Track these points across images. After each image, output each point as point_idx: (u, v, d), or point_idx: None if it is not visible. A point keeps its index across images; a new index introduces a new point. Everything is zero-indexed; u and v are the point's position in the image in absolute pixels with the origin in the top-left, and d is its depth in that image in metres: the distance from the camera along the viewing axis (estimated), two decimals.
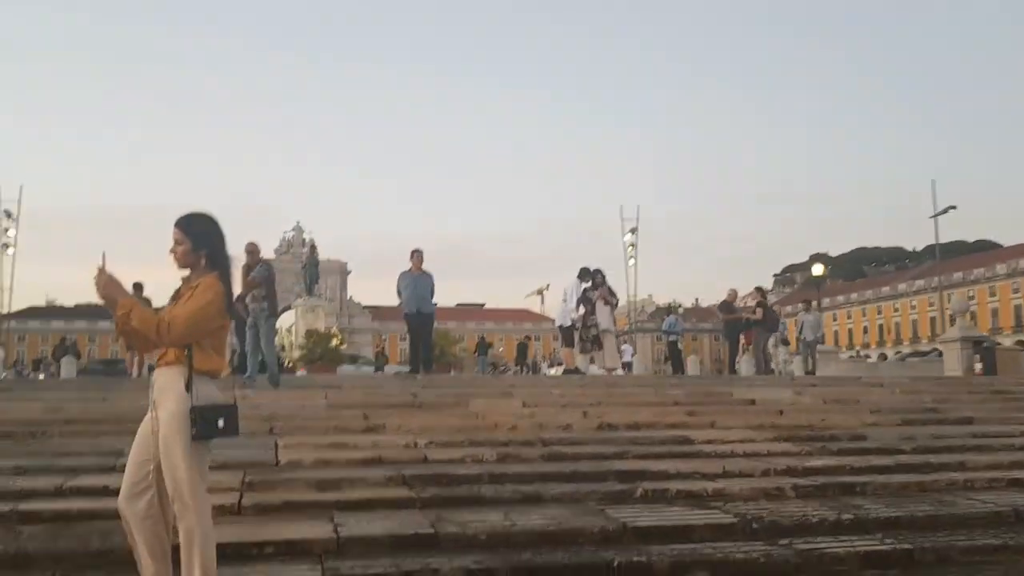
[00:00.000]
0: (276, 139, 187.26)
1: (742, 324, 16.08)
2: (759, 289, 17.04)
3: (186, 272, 3.69)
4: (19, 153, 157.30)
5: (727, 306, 16.22)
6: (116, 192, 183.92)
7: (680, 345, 19.93)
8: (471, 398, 9.67)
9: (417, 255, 12.67)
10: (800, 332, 17.27)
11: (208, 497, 3.50)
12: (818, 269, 36.31)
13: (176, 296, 3.66)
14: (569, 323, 13.55)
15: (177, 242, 3.64)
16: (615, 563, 4.40)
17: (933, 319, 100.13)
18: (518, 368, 39.00)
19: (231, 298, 3.67)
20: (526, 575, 4.26)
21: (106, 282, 3.46)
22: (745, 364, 27.33)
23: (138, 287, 15.56)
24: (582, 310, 13.54)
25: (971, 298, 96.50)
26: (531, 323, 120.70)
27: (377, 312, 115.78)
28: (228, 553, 4.41)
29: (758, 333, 15.50)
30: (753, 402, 9.93)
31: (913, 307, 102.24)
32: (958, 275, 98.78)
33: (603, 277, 13.83)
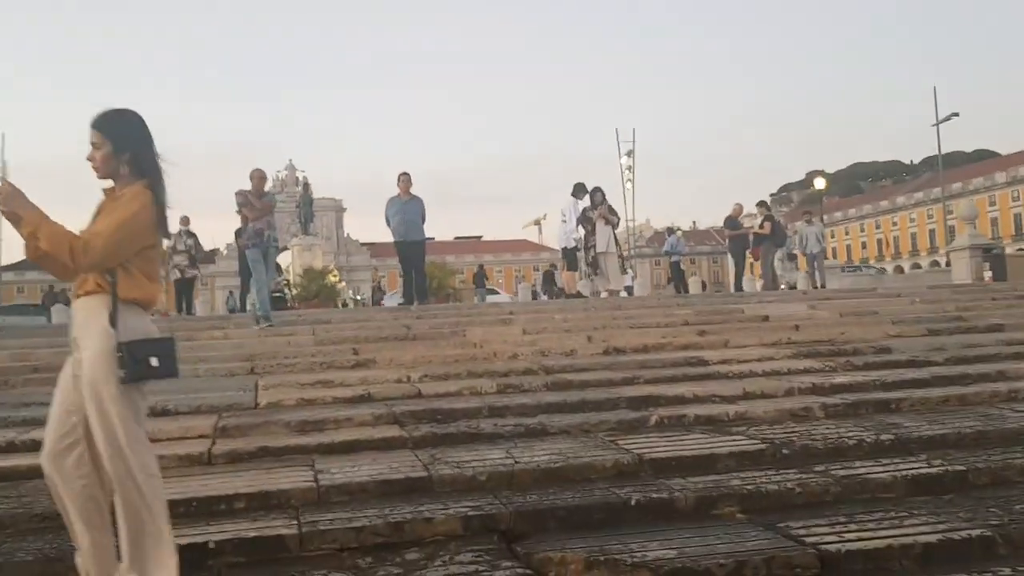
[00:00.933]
0: (268, 76, 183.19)
1: (748, 240, 15.44)
2: (764, 204, 16.30)
3: (109, 184, 3.04)
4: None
5: (732, 222, 15.54)
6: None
7: (683, 266, 19.33)
8: (468, 327, 9.11)
9: (404, 178, 11.94)
10: (804, 246, 16.60)
11: (148, 449, 2.90)
12: (820, 183, 35.47)
13: (97, 212, 3.02)
14: (572, 244, 12.90)
15: (95, 146, 2.97)
16: (633, 501, 3.86)
17: (932, 231, 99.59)
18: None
19: (164, 212, 3.02)
20: (533, 520, 3.72)
21: (7, 195, 2.81)
22: (747, 282, 26.90)
23: (184, 221, 15.29)
24: (582, 231, 12.88)
25: (950, 213, 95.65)
26: (530, 253, 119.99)
27: (375, 249, 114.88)
28: (193, 510, 3.88)
29: (766, 248, 14.87)
30: (766, 318, 9.37)
31: (912, 220, 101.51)
32: (957, 185, 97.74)
33: (603, 195, 13.10)
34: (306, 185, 70.35)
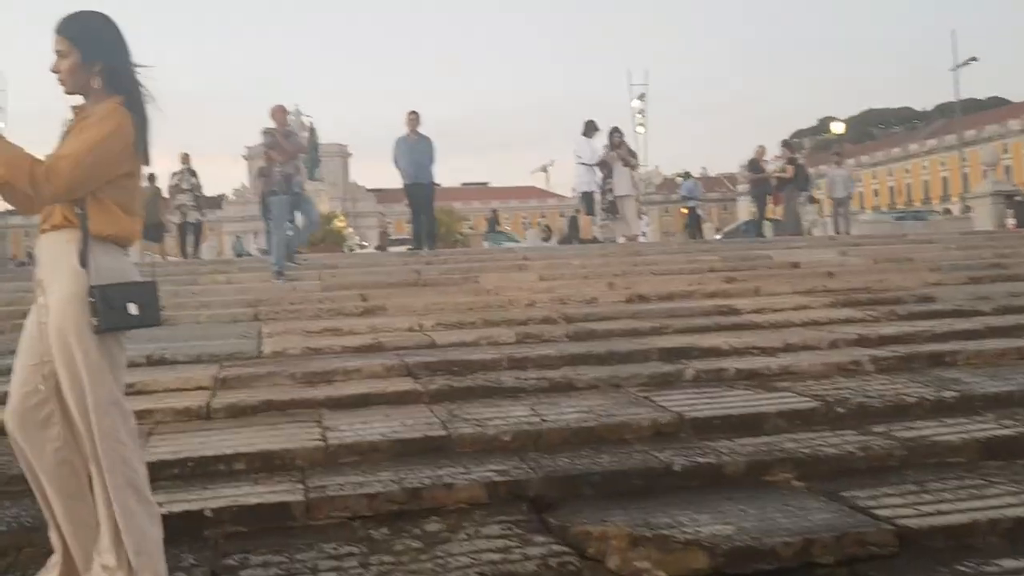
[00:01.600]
0: (272, 20, 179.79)
1: (770, 184, 14.85)
2: (787, 145, 15.61)
3: (78, 100, 2.58)
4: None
5: (754, 164, 14.91)
6: None
7: (700, 211, 18.77)
8: (481, 273, 8.67)
9: (412, 117, 11.36)
10: (832, 189, 15.85)
11: (121, 411, 2.49)
12: (838, 127, 34.64)
13: (65, 134, 2.56)
14: (588, 188, 12.33)
15: (60, 54, 2.49)
16: (676, 466, 3.46)
17: (945, 179, 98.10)
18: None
19: (145, 134, 2.56)
20: (565, 486, 3.33)
21: None
22: (768, 228, 26.30)
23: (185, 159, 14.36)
24: (599, 174, 12.32)
25: (964, 160, 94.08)
26: (536, 200, 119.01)
27: (381, 195, 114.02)
28: (188, 471, 3.51)
29: (789, 192, 14.27)
30: (797, 265, 8.90)
31: (925, 168, 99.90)
32: (971, 133, 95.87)
33: (621, 136, 12.49)
34: (312, 130, 68.62)
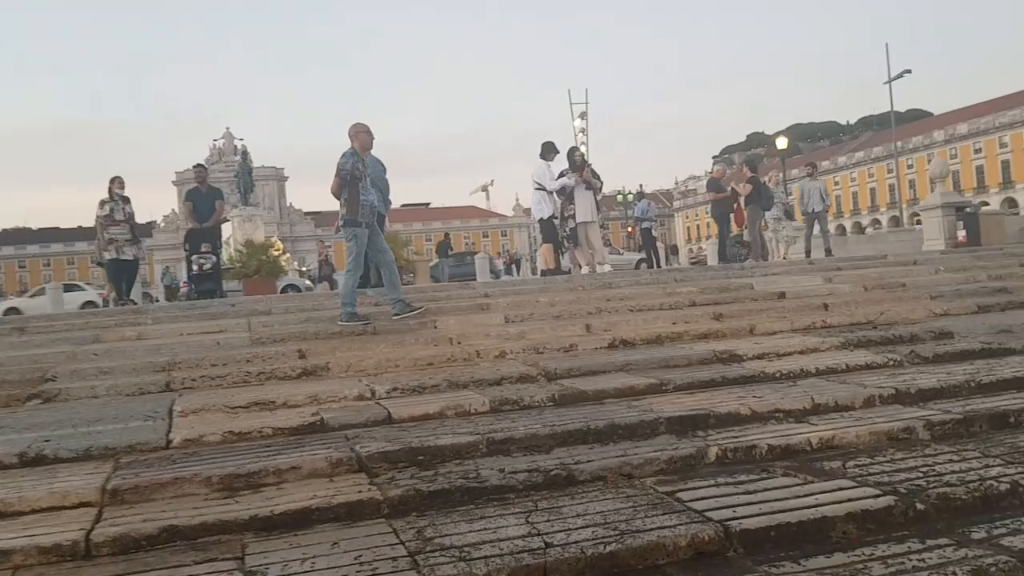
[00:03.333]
0: (201, 44, 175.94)
1: (732, 203, 14.17)
2: (750, 163, 14.97)
3: None
4: None
5: (715, 184, 14.22)
6: (32, 112, 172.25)
7: (655, 232, 18.07)
8: (438, 315, 7.64)
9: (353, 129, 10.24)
10: (806, 203, 15.06)
11: None
12: (782, 142, 34.58)
13: None
14: (547, 215, 11.38)
15: None
16: None
17: (873, 190, 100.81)
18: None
19: None
20: None
21: None
22: (711, 250, 25.58)
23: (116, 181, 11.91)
24: (558, 200, 11.41)
25: (910, 167, 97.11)
26: (479, 219, 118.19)
27: (320, 218, 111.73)
28: None
29: (752, 212, 13.60)
30: (783, 295, 8.10)
31: (853, 179, 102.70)
32: (897, 144, 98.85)
33: (583, 156, 11.62)
34: (245, 153, 67.12)
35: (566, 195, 11.37)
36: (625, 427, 4.28)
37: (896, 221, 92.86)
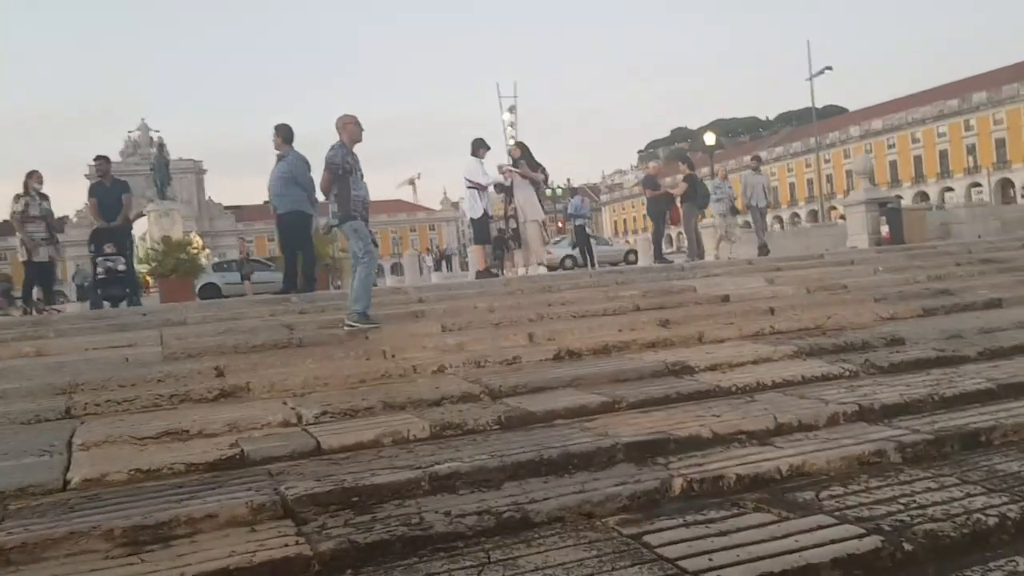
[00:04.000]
0: (116, 32, 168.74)
1: (668, 201, 14.03)
2: (686, 160, 14.80)
3: None
4: None
5: (651, 180, 14.02)
6: None
7: (589, 229, 17.86)
8: None
9: (274, 131, 9.66)
10: (749, 197, 14.90)
11: None
12: (710, 138, 34.86)
13: None
14: (480, 214, 10.96)
15: None
16: None
17: (792, 185, 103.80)
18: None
19: None
20: None
21: None
22: (642, 248, 25.47)
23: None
24: (492, 197, 11.02)
25: (827, 161, 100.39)
26: (406, 214, 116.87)
27: (240, 212, 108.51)
28: None
29: (687, 210, 13.47)
30: (727, 299, 7.91)
31: (773, 174, 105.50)
32: (813, 140, 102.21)
33: (526, 149, 11.19)
34: (161, 146, 63.91)
35: (505, 193, 11.00)
36: (581, 455, 3.92)
37: (815, 215, 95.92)
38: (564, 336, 6.54)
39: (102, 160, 11.32)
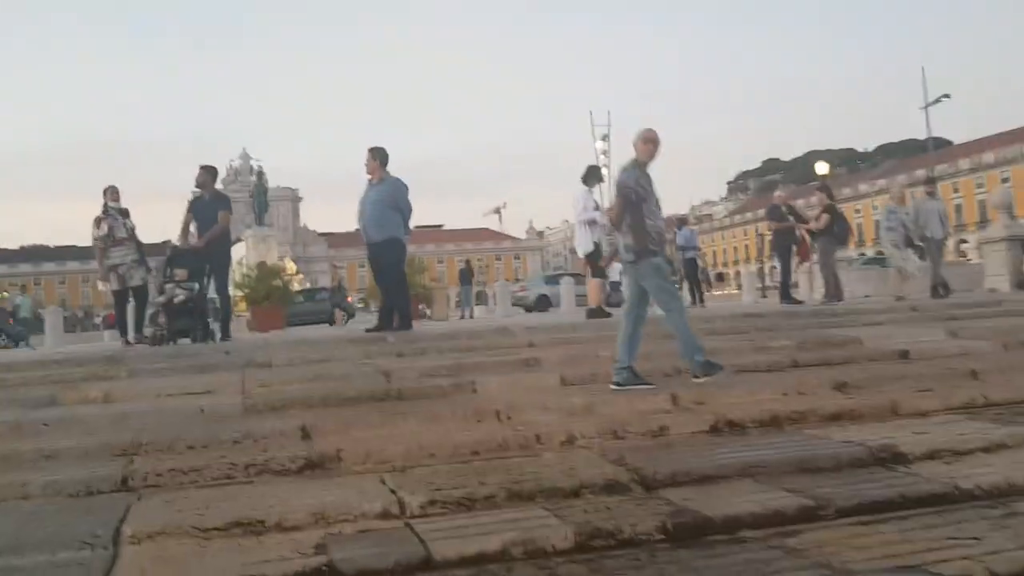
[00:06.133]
0: (219, 67, 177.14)
1: (796, 235, 12.59)
2: (824, 188, 13.16)
3: None
4: None
5: (776, 211, 12.57)
6: (57, 130, 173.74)
7: (700, 263, 16.54)
8: (476, 373, 6.15)
9: (368, 155, 8.83)
10: (923, 228, 12.56)
11: None
12: (823, 168, 32.84)
13: None
14: (591, 248, 9.87)
15: None
16: None
17: None
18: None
19: None
20: None
21: None
22: (747, 283, 23.60)
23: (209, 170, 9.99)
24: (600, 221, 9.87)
25: (955, 191, 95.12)
26: (492, 242, 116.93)
27: (332, 239, 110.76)
28: None
29: (825, 245, 11.98)
30: (906, 355, 6.55)
31: (875, 208, 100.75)
32: (921, 172, 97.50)
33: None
34: (260, 174, 66.20)
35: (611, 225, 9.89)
36: None
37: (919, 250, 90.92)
38: (715, 399, 5.34)
39: (205, 170, 9.92)
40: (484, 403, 5.39)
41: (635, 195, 5.85)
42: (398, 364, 6.52)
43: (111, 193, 9.64)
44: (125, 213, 9.66)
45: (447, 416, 5.10)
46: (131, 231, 9.61)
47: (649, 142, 5.95)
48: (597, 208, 10.04)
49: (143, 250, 9.73)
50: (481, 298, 38.78)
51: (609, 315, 9.73)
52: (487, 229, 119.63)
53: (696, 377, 5.69)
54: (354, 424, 4.98)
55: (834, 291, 11.82)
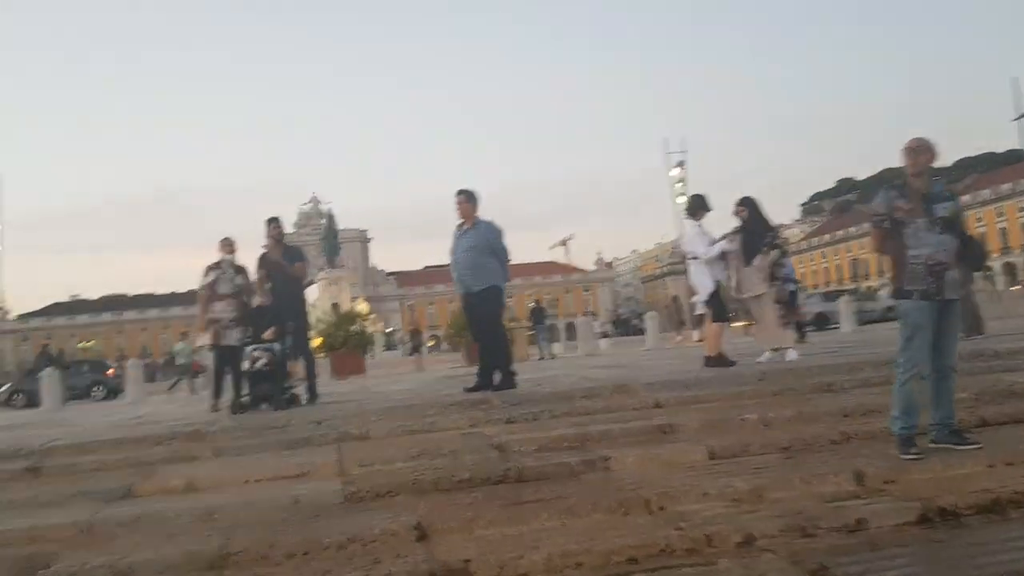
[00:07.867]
0: (283, 113, 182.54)
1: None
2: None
3: None
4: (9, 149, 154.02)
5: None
6: (121, 181, 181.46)
7: (799, 293, 15.29)
8: (604, 445, 5.29)
9: (460, 198, 8.14)
10: None
11: None
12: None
13: None
14: (712, 288, 8.90)
15: None
16: None
17: (981, 235, 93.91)
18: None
19: None
20: None
21: None
22: (845, 311, 22.24)
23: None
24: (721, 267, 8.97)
25: (1001, 215, 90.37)
26: (560, 275, 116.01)
27: (401, 277, 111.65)
28: None
29: (961, 274, 10.69)
30: None
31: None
32: (1007, 186, 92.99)
33: (753, 205, 9.08)
34: (331, 217, 67.06)
35: (721, 264, 8.94)
36: None
37: (1010, 269, 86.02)
38: (908, 475, 4.37)
39: (274, 222, 9.28)
40: (625, 487, 4.53)
41: (887, 221, 4.88)
42: (510, 434, 5.71)
43: (226, 245, 9.17)
44: (239, 269, 9.14)
45: (585, 507, 4.26)
46: (238, 288, 9.04)
47: (924, 152, 5.04)
48: (714, 242, 9.04)
49: (249, 311, 9.09)
50: (553, 332, 37.87)
51: (733, 363, 8.73)
52: (554, 262, 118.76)
53: (905, 453, 4.67)
54: (476, 520, 4.18)
55: (974, 323, 10.61)
